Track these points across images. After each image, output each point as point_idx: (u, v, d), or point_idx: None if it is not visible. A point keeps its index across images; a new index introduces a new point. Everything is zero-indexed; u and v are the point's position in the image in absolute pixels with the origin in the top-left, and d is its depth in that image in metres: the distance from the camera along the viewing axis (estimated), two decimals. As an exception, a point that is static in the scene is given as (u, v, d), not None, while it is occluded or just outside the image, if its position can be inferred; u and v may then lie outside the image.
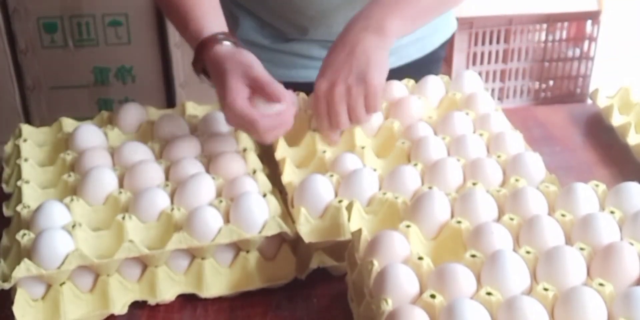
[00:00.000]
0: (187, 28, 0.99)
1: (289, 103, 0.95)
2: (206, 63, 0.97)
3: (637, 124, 1.10)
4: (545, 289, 0.71)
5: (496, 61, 2.13)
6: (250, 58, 0.96)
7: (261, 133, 0.93)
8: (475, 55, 2.10)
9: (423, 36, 1.26)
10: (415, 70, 1.17)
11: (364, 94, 0.96)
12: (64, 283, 0.82)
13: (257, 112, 0.92)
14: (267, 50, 1.23)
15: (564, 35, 2.17)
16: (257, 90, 0.93)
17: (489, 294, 0.70)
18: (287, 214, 0.88)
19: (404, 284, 0.71)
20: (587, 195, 0.84)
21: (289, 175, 0.94)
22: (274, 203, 0.88)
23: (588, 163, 1.09)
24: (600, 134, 1.15)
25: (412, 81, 1.13)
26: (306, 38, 1.06)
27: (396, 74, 1.14)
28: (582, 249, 0.76)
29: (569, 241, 0.79)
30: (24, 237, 0.82)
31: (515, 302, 0.68)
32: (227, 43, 0.97)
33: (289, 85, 0.99)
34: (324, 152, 0.97)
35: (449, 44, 2.08)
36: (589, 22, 2.13)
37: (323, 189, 0.88)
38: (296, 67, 1.23)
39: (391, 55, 1.20)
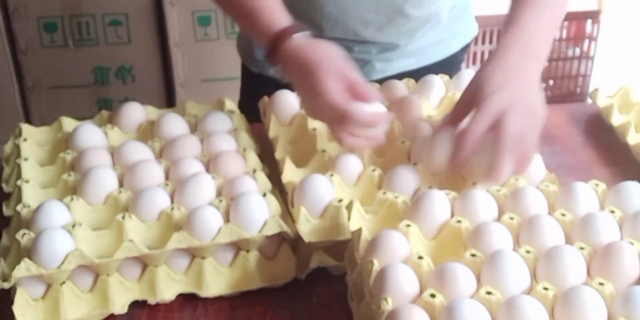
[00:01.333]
0: (256, 20, 0.95)
1: (382, 110, 0.89)
2: (286, 53, 0.92)
3: (637, 123, 1.10)
4: (545, 289, 0.71)
5: (496, 61, 2.14)
6: (340, 53, 0.91)
7: (351, 127, 0.87)
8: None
9: (444, 39, 1.27)
10: (435, 72, 1.17)
11: (532, 128, 0.85)
12: (64, 282, 0.82)
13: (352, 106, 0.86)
14: None
15: (564, 35, 2.17)
16: (348, 87, 0.88)
17: (489, 293, 0.70)
18: (287, 214, 0.88)
19: (403, 284, 0.71)
20: (587, 194, 0.84)
21: (289, 174, 0.94)
22: (274, 203, 0.88)
23: (588, 163, 1.09)
24: (600, 134, 1.15)
25: (412, 81, 1.13)
26: (322, 36, 1.07)
27: (416, 75, 1.14)
28: (582, 248, 0.76)
29: (569, 241, 0.79)
30: (24, 237, 0.82)
31: (515, 302, 0.68)
32: (306, 33, 0.93)
33: None
34: (324, 151, 0.97)
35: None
36: (589, 21, 2.13)
37: (323, 188, 0.88)
38: None
39: (413, 57, 1.20)
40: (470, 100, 0.89)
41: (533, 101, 0.88)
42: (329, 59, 0.90)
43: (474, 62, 2.12)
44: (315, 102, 0.89)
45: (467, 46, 1.35)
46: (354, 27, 1.02)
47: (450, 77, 1.13)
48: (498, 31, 2.07)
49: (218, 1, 1.05)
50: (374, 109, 0.89)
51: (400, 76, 1.18)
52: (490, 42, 2.08)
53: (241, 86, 1.38)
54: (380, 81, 1.14)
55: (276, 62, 0.95)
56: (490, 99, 0.86)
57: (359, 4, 1.15)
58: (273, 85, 1.08)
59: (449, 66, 1.28)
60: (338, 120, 0.88)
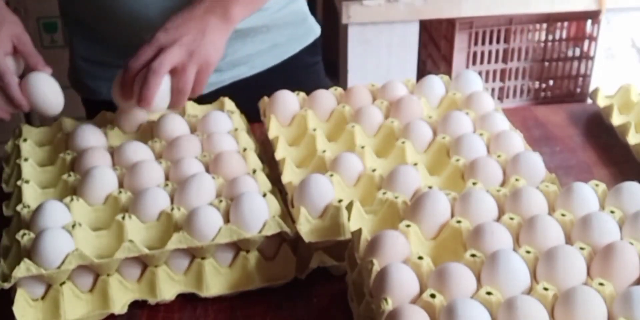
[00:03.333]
0: None
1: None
2: None
3: (637, 123, 1.10)
4: (545, 289, 0.71)
5: (496, 61, 2.13)
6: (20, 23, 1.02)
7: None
8: (475, 55, 2.10)
9: (278, 44, 1.24)
10: (277, 77, 1.17)
11: (197, 70, 0.95)
12: (64, 283, 0.82)
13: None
14: (107, 67, 1.19)
15: (564, 35, 2.16)
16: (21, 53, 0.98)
17: (489, 293, 0.70)
18: (287, 214, 0.88)
19: (404, 284, 0.71)
20: (587, 195, 0.84)
21: (289, 175, 0.94)
22: (274, 203, 0.88)
23: (588, 163, 1.09)
24: (600, 134, 1.15)
25: (412, 81, 1.13)
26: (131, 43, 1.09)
27: (254, 82, 1.14)
28: (582, 248, 0.76)
29: (569, 241, 0.79)
30: (24, 237, 0.82)
31: (515, 302, 0.68)
32: None
33: None
34: (324, 151, 0.97)
35: (449, 44, 2.09)
36: (589, 21, 2.13)
37: (323, 188, 0.88)
38: None
39: (243, 64, 1.20)
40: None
41: (202, 44, 0.96)
42: (13, 22, 1.02)
43: (474, 63, 2.11)
44: None
45: (313, 47, 1.30)
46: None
47: (300, 82, 1.11)
48: (497, 31, 2.07)
49: None
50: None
51: (236, 85, 1.18)
52: (490, 42, 2.08)
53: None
54: (217, 92, 1.13)
55: None
56: (160, 33, 0.96)
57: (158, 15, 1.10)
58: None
59: (291, 70, 1.25)
60: None
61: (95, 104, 1.20)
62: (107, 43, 1.19)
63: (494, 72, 2.17)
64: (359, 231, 0.79)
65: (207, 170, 0.94)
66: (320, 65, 1.34)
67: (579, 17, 2.13)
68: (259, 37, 1.21)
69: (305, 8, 1.28)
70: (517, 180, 0.90)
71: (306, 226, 0.86)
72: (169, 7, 1.09)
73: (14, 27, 1.03)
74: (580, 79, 2.22)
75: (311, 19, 1.30)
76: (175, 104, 0.98)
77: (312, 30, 1.30)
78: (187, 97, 0.98)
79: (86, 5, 1.15)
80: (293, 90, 1.08)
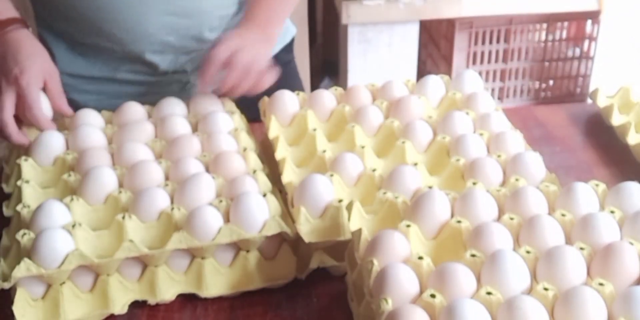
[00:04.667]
0: None
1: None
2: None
3: (637, 123, 1.10)
4: (546, 289, 0.71)
5: (496, 61, 2.13)
6: (51, 59, 1.05)
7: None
8: (475, 55, 2.10)
9: None
10: None
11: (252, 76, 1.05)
12: (64, 283, 0.82)
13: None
14: (92, 80, 1.21)
15: (564, 35, 2.16)
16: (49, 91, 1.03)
17: (489, 293, 0.70)
18: (287, 214, 0.88)
19: (404, 284, 0.71)
20: (587, 194, 0.84)
21: (289, 175, 0.94)
22: (274, 203, 0.88)
23: (588, 163, 1.09)
24: (600, 134, 1.15)
25: (412, 81, 1.13)
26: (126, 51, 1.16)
27: None
28: (582, 248, 0.76)
29: (569, 241, 0.79)
30: (24, 237, 0.82)
31: (515, 302, 0.68)
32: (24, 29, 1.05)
33: None
34: (324, 151, 0.97)
35: (449, 44, 2.09)
36: (589, 22, 2.13)
37: (323, 188, 0.88)
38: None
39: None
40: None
41: (258, 48, 1.09)
42: (44, 59, 1.04)
43: (474, 62, 2.12)
44: (16, 88, 0.99)
45: (290, 46, 1.36)
46: (158, 37, 1.13)
47: (279, 80, 1.11)
48: (497, 31, 2.07)
49: None
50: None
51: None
52: (490, 42, 2.08)
53: None
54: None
55: None
56: (225, 41, 1.07)
57: (154, 28, 1.14)
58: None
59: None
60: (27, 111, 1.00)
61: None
62: (93, 57, 1.20)
63: (494, 72, 2.17)
64: (359, 231, 0.79)
65: (207, 170, 0.94)
66: (294, 63, 1.41)
67: (579, 17, 2.13)
68: None
69: None
70: (517, 180, 0.90)
71: (306, 226, 0.86)
72: (168, 22, 1.12)
73: (48, 63, 1.05)
74: (580, 79, 2.22)
75: (287, 19, 1.33)
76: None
77: (289, 29, 1.35)
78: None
79: (75, 21, 1.15)
80: (274, 88, 1.09)
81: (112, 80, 1.21)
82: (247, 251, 0.86)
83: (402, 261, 0.74)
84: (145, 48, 1.16)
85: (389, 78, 1.12)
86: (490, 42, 2.11)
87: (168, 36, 1.15)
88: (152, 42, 1.15)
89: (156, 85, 1.22)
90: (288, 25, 1.35)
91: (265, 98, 1.09)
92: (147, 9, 1.12)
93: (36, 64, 1.02)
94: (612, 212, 0.82)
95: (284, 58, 1.32)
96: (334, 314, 0.84)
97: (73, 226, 0.83)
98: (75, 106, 1.08)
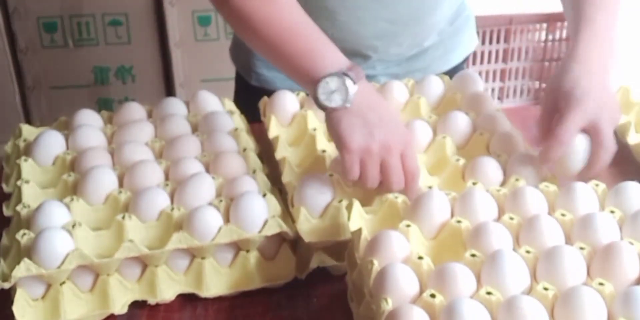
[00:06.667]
0: (318, 52, 0.90)
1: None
2: (364, 85, 0.88)
3: (637, 123, 1.10)
4: (545, 289, 0.71)
5: (496, 61, 2.13)
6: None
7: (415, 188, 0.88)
8: (475, 55, 2.10)
9: (449, 50, 1.27)
10: None
11: (402, 149, 0.87)
12: (63, 283, 0.82)
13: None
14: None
15: (564, 35, 2.17)
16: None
17: (488, 293, 0.70)
18: (287, 214, 0.88)
19: (403, 284, 0.71)
20: (587, 194, 0.84)
21: (289, 174, 0.94)
22: (273, 203, 0.88)
23: (588, 163, 1.09)
24: (600, 134, 1.15)
25: (412, 81, 1.13)
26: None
27: None
28: (582, 248, 0.76)
29: (568, 241, 0.79)
30: (24, 237, 0.82)
31: (515, 302, 0.68)
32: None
33: None
34: (324, 151, 0.97)
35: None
36: (589, 21, 2.13)
37: (323, 188, 0.88)
38: None
39: (419, 71, 1.21)
40: (558, 104, 0.91)
41: (614, 102, 0.94)
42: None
43: (474, 63, 2.12)
44: (389, 133, 0.86)
45: (469, 56, 1.35)
46: (368, 38, 1.02)
47: None
48: (497, 31, 2.07)
49: (254, 36, 0.95)
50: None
51: None
52: (490, 42, 2.08)
53: (235, 97, 1.31)
54: None
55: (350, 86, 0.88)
56: (582, 102, 0.89)
57: (375, 13, 1.11)
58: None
59: (452, 77, 1.28)
60: (407, 180, 0.87)
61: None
62: None
63: (494, 72, 2.17)
64: (359, 231, 0.79)
65: (207, 170, 0.94)
66: None
67: (579, 17, 2.13)
68: (435, 43, 1.24)
69: (472, 16, 1.30)
70: (517, 180, 0.90)
71: (306, 226, 0.86)
72: (384, 29, 1.11)
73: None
74: (581, 79, 2.22)
75: (474, 28, 1.32)
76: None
77: (474, 38, 1.32)
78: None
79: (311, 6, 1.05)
80: None
81: None
82: (247, 251, 0.86)
83: (401, 261, 0.74)
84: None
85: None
86: (490, 42, 2.12)
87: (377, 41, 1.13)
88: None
89: None
90: (474, 33, 1.33)
91: (265, 98, 1.09)
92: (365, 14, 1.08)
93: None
94: (612, 212, 0.82)
95: (461, 68, 1.33)
96: (334, 314, 0.84)
97: (73, 226, 0.83)
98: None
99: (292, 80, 0.94)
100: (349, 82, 0.87)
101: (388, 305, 0.69)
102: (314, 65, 0.89)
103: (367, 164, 0.85)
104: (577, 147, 0.90)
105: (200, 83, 2.24)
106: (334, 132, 0.87)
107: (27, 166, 0.95)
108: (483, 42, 2.09)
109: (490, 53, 2.11)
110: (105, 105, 2.25)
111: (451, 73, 1.21)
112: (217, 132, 1.01)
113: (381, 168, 0.86)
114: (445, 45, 1.26)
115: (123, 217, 0.85)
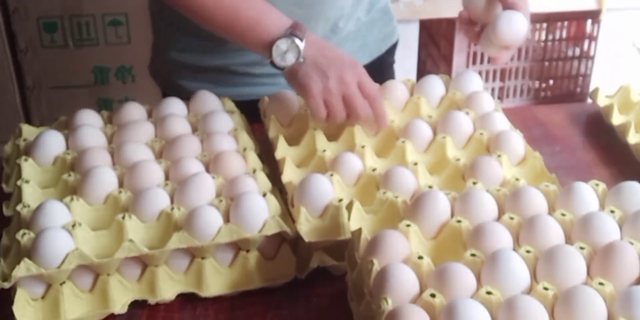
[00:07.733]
0: (264, 16, 1.00)
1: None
2: (312, 37, 0.98)
3: (637, 123, 1.10)
4: (546, 289, 0.71)
5: (496, 61, 2.14)
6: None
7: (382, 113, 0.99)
8: (475, 54, 2.10)
9: (368, 42, 1.27)
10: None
11: (358, 79, 0.98)
12: (64, 282, 0.82)
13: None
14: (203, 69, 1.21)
15: (564, 35, 2.16)
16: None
17: (489, 293, 0.70)
18: (287, 214, 0.88)
19: (404, 284, 0.71)
20: (587, 194, 0.84)
21: (289, 174, 0.94)
22: (274, 202, 0.88)
23: (588, 163, 1.09)
24: (600, 134, 1.15)
25: (412, 81, 1.13)
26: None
27: None
28: (582, 248, 0.76)
29: (569, 240, 0.79)
30: (24, 237, 0.82)
31: (515, 302, 0.68)
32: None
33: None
34: (324, 151, 0.97)
35: (449, 44, 2.09)
36: (589, 21, 2.13)
37: (323, 188, 0.88)
38: (242, 85, 1.20)
39: None
40: None
41: (341, 62, 1.00)
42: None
43: (474, 62, 2.11)
44: (340, 70, 0.96)
45: (393, 48, 1.35)
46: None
47: (381, 81, 1.10)
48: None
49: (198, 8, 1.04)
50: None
51: None
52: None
53: None
54: None
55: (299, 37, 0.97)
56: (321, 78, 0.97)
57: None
58: None
59: (378, 70, 1.26)
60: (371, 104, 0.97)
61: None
62: (210, 48, 1.18)
63: (494, 72, 2.17)
64: (359, 231, 0.79)
65: (207, 170, 0.94)
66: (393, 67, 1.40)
67: (579, 17, 2.13)
68: (352, 35, 1.24)
69: (389, 7, 1.31)
70: (517, 180, 0.90)
71: (306, 226, 0.86)
72: (293, 13, 1.08)
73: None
74: (580, 78, 2.22)
75: (394, 19, 1.34)
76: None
77: (396, 32, 1.34)
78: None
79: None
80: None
81: (225, 71, 1.20)
82: (247, 251, 0.86)
83: (402, 261, 0.74)
84: None
85: (389, 78, 1.12)
86: (490, 42, 2.11)
87: None
88: None
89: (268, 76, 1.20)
90: (395, 26, 1.34)
91: (265, 98, 1.09)
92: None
93: None
94: (612, 211, 0.82)
95: (388, 60, 1.35)
96: (334, 313, 0.83)
97: (73, 226, 0.83)
98: (184, 93, 1.09)
99: (249, 48, 1.03)
100: (297, 40, 0.97)
101: (388, 305, 0.69)
102: (262, 32, 0.99)
103: (331, 101, 0.97)
104: (499, 19, 0.99)
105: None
106: (295, 84, 0.99)
107: (27, 166, 0.95)
108: (483, 42, 2.09)
109: (490, 53, 2.11)
110: (105, 105, 2.25)
111: (375, 65, 1.22)
112: (217, 132, 1.01)
113: (345, 101, 0.97)
114: (363, 36, 1.26)
115: (123, 217, 0.85)
